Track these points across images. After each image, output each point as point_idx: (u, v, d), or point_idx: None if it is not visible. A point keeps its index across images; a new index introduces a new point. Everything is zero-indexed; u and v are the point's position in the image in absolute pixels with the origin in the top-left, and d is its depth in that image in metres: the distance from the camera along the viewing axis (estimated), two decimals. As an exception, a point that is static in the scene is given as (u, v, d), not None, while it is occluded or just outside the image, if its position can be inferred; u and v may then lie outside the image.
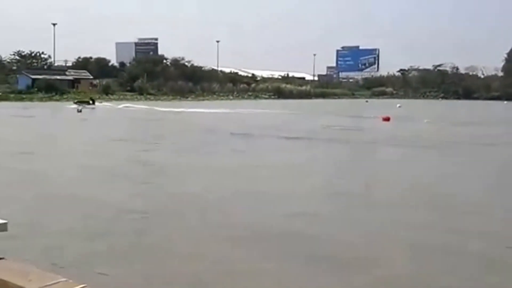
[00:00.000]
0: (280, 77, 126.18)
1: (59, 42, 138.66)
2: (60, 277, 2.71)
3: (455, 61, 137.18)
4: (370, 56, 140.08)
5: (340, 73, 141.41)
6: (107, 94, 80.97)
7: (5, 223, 3.01)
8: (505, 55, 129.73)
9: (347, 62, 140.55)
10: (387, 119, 41.54)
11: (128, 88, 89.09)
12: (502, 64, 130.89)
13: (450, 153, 21.58)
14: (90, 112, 48.85)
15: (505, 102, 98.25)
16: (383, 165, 18.53)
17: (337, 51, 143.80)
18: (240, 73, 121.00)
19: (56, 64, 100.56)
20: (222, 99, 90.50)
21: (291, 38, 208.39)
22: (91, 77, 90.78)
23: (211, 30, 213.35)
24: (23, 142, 23.16)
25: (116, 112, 51.94)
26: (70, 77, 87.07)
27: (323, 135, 28.40)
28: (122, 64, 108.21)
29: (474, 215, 10.49)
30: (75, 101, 61.09)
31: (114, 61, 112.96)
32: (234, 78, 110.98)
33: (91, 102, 63.06)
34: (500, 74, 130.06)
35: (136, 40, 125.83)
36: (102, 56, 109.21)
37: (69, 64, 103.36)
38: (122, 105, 59.64)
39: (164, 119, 42.79)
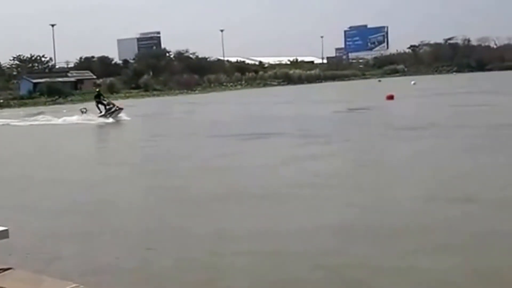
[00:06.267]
0: (288, 62, 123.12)
1: (59, 43, 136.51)
2: (72, 283, 2.71)
3: (467, 33, 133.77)
4: (378, 35, 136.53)
5: (349, 54, 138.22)
6: (112, 93, 78.30)
7: (6, 230, 2.82)
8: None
9: (356, 42, 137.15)
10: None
11: (133, 85, 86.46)
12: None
13: None
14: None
15: None
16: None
17: (345, 31, 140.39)
18: (247, 61, 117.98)
19: (57, 66, 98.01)
20: (230, 90, 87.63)
21: (296, 22, 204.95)
22: (95, 77, 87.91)
23: (214, 20, 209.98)
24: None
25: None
26: (73, 79, 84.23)
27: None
28: (125, 61, 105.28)
29: None
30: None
31: (117, 59, 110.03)
32: (241, 67, 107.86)
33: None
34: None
35: (138, 36, 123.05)
36: (104, 54, 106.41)
37: (71, 65, 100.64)
38: None
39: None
